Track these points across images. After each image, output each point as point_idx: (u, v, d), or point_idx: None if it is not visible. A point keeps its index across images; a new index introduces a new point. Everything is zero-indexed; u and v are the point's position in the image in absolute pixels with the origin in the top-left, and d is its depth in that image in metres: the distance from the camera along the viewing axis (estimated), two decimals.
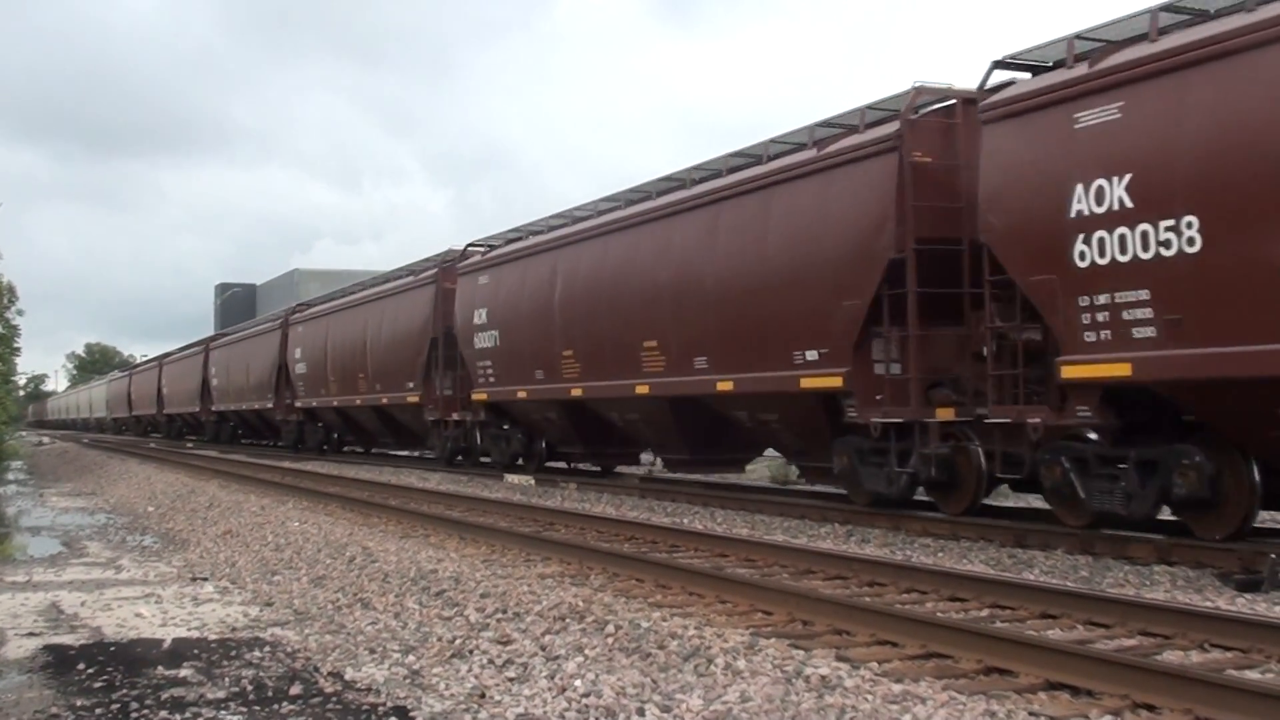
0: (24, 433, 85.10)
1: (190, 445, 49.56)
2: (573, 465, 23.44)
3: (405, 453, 32.72)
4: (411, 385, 26.83)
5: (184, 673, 7.24)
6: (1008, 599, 8.56)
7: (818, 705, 5.91)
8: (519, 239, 23.03)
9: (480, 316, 23.29)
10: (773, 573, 10.32)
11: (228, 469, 28.74)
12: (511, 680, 6.67)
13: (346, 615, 9.00)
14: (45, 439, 78.13)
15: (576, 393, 19.74)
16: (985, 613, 8.40)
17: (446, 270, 25.52)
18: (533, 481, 21.73)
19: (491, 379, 22.77)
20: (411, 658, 7.37)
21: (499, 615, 8.44)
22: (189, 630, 8.75)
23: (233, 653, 7.80)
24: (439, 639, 7.81)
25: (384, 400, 28.84)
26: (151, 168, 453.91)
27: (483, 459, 25.41)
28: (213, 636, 8.44)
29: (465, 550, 12.38)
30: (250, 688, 6.79)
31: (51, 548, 15.36)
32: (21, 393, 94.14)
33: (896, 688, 6.16)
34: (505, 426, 23.83)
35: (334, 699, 6.49)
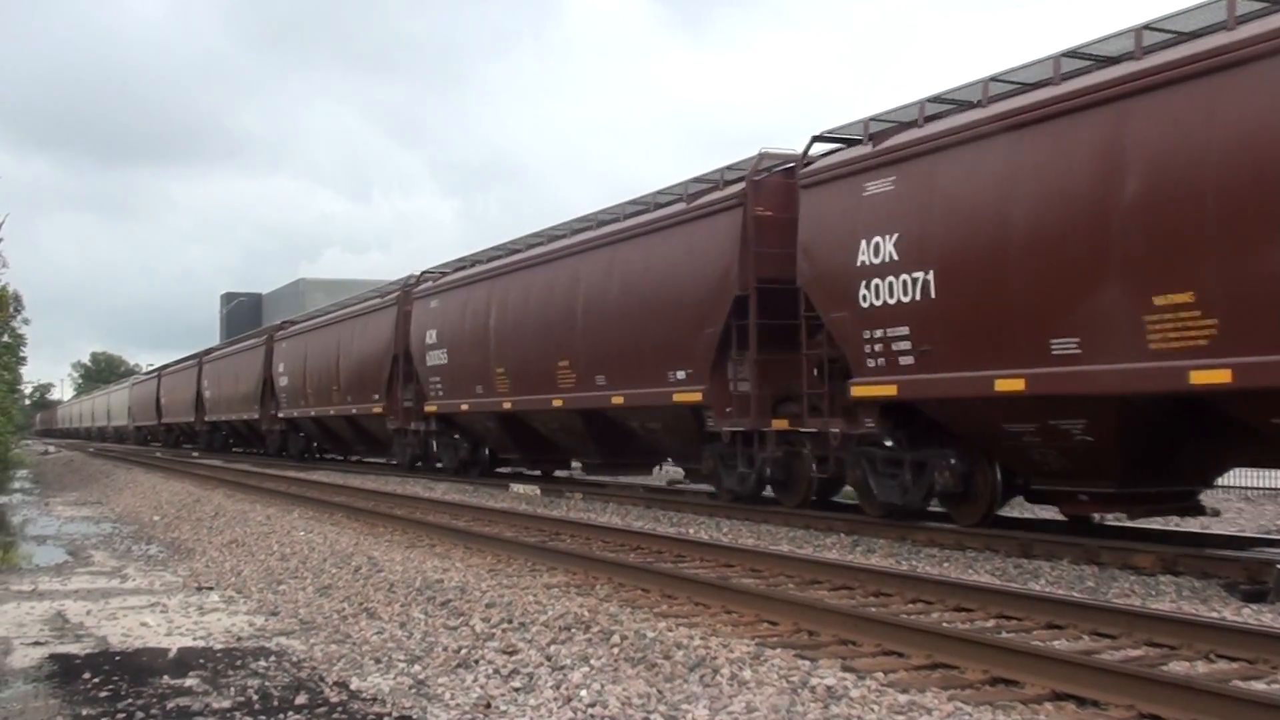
0: (29, 441, 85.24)
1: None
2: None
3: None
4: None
5: (189, 682, 7.25)
6: (1014, 609, 8.55)
7: (823, 715, 5.91)
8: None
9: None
10: (778, 583, 10.31)
11: (233, 478, 28.75)
12: (517, 690, 6.68)
13: (352, 625, 9.01)
14: (51, 448, 78.21)
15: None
16: (991, 623, 8.39)
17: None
18: (538, 491, 21.74)
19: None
20: (417, 667, 7.38)
21: (504, 625, 8.44)
22: (194, 640, 8.75)
23: (238, 662, 7.81)
24: (444, 649, 7.81)
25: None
26: (160, 176, 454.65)
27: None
28: (218, 646, 8.45)
29: (471, 560, 12.38)
30: (256, 697, 6.79)
31: (57, 556, 15.38)
32: (28, 401, 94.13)
33: (902, 698, 6.16)
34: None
35: (339, 709, 6.50)
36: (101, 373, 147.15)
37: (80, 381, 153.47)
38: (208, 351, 53.27)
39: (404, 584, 10.53)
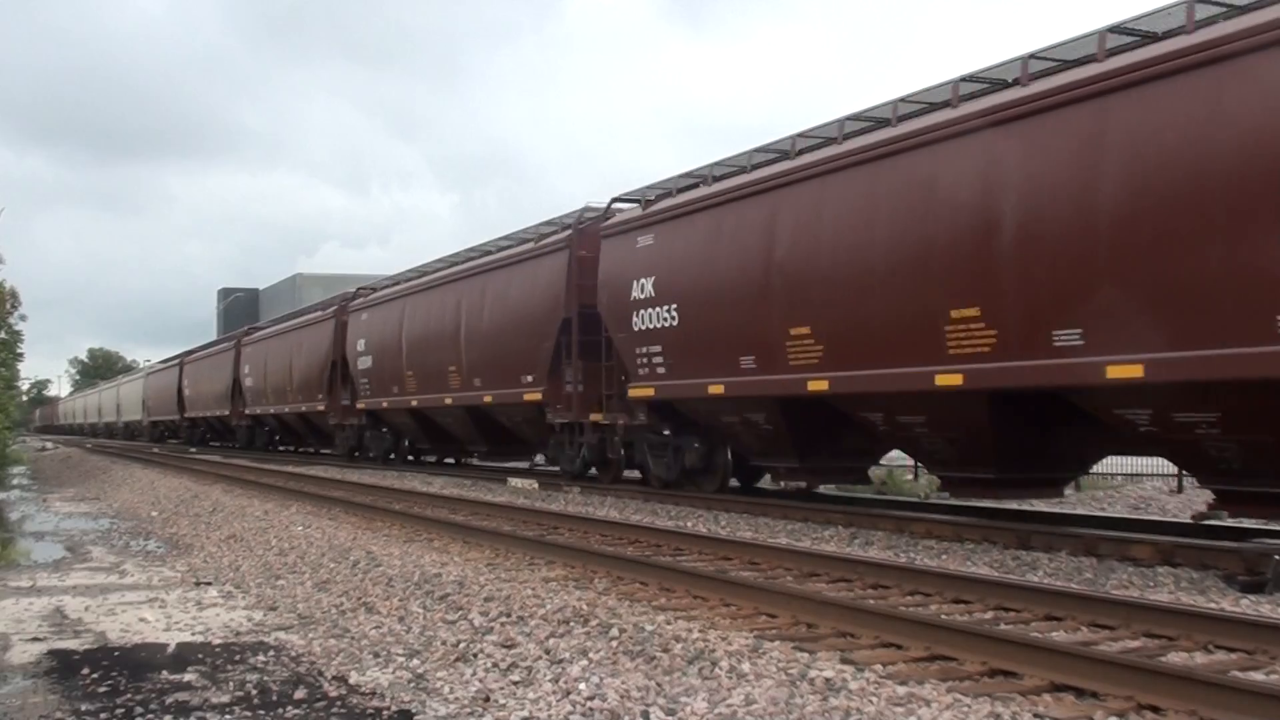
0: (26, 438, 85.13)
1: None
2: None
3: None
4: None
5: (188, 677, 7.24)
6: (1012, 601, 8.56)
7: (822, 708, 5.91)
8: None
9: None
10: (777, 575, 10.32)
11: (231, 474, 28.75)
12: (516, 684, 6.67)
13: (350, 619, 9.00)
14: (49, 444, 78.15)
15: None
16: (990, 615, 8.40)
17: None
18: (536, 485, 21.76)
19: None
20: (416, 661, 7.38)
21: (503, 619, 8.44)
22: (193, 635, 8.75)
23: (237, 657, 7.80)
24: (443, 643, 7.81)
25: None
26: (158, 171, 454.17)
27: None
28: (217, 641, 8.44)
29: (469, 554, 12.38)
30: (255, 692, 6.79)
31: (55, 553, 15.37)
32: (25, 398, 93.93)
33: (901, 690, 6.16)
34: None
35: (338, 703, 6.49)
36: (99, 369, 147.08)
37: (78, 378, 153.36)
38: (248, 332, 48.51)
39: (402, 578, 10.53)
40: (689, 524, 14.90)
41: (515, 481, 22.50)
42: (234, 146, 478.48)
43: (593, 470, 21.80)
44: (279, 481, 24.97)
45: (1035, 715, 5.81)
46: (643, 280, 18.58)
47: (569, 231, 21.43)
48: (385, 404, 27.12)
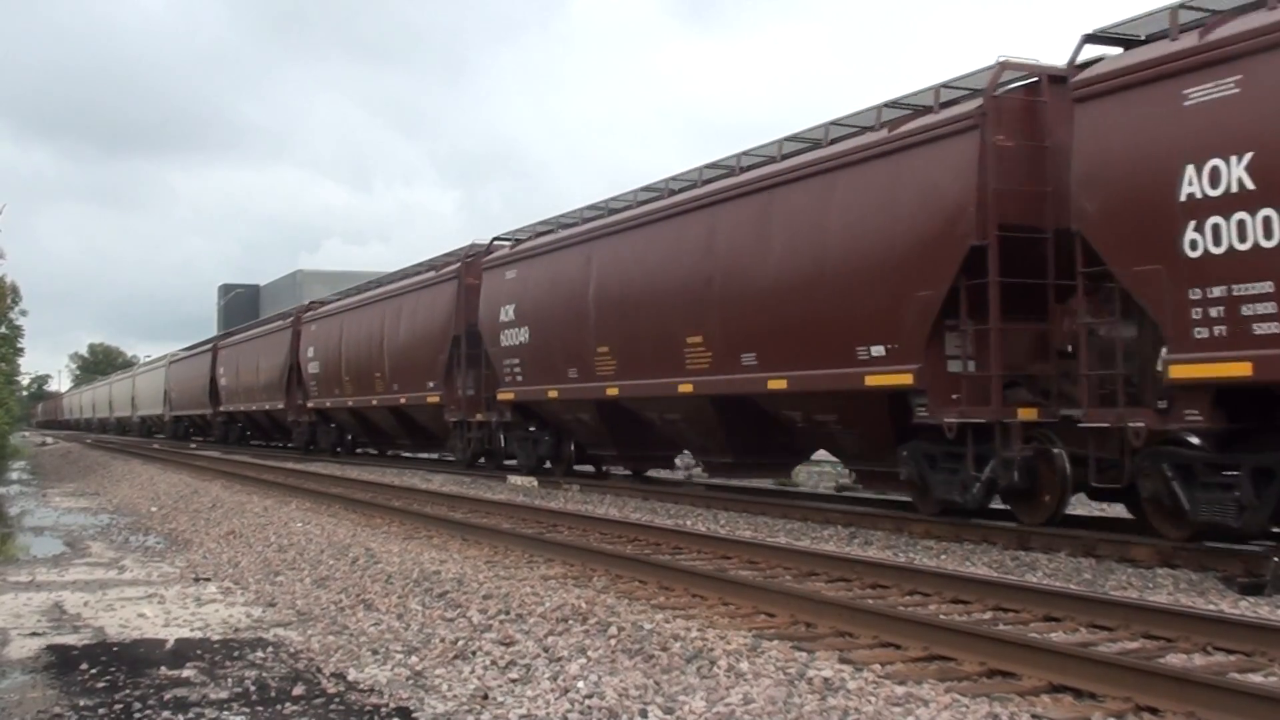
0: (27, 433, 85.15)
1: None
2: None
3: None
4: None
5: (187, 673, 7.25)
6: (1011, 601, 8.56)
7: (820, 707, 5.91)
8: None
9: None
10: (776, 575, 10.32)
11: (231, 469, 28.76)
12: (514, 681, 6.68)
13: (349, 616, 9.00)
14: (49, 439, 78.17)
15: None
16: (988, 615, 8.40)
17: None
18: (535, 483, 21.77)
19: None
20: (414, 659, 7.38)
21: (502, 616, 8.44)
22: (192, 631, 8.75)
23: (235, 653, 7.81)
24: (442, 640, 7.81)
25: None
26: (162, 167, 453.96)
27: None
28: (215, 637, 8.45)
29: (468, 552, 12.39)
30: (253, 688, 6.79)
31: (54, 548, 15.37)
32: (25, 393, 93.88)
33: (899, 690, 6.16)
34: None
35: (337, 699, 6.50)
36: (99, 364, 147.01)
37: (78, 373, 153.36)
38: (309, 307, 40.91)
39: (401, 575, 10.53)
40: (688, 523, 14.90)
41: (514, 479, 22.50)
42: (238, 142, 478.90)
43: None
44: (278, 478, 24.97)
45: (1033, 716, 5.81)
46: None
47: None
48: (553, 393, 21.43)
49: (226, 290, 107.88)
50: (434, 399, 26.93)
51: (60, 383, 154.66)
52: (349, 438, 36.53)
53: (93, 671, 7.34)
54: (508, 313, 23.08)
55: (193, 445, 50.33)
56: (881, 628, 7.56)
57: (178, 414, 46.91)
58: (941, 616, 8.13)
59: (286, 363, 38.68)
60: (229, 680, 7.01)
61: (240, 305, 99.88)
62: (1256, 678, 6.49)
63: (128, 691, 6.79)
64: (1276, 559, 9.55)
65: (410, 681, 6.84)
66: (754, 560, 11.08)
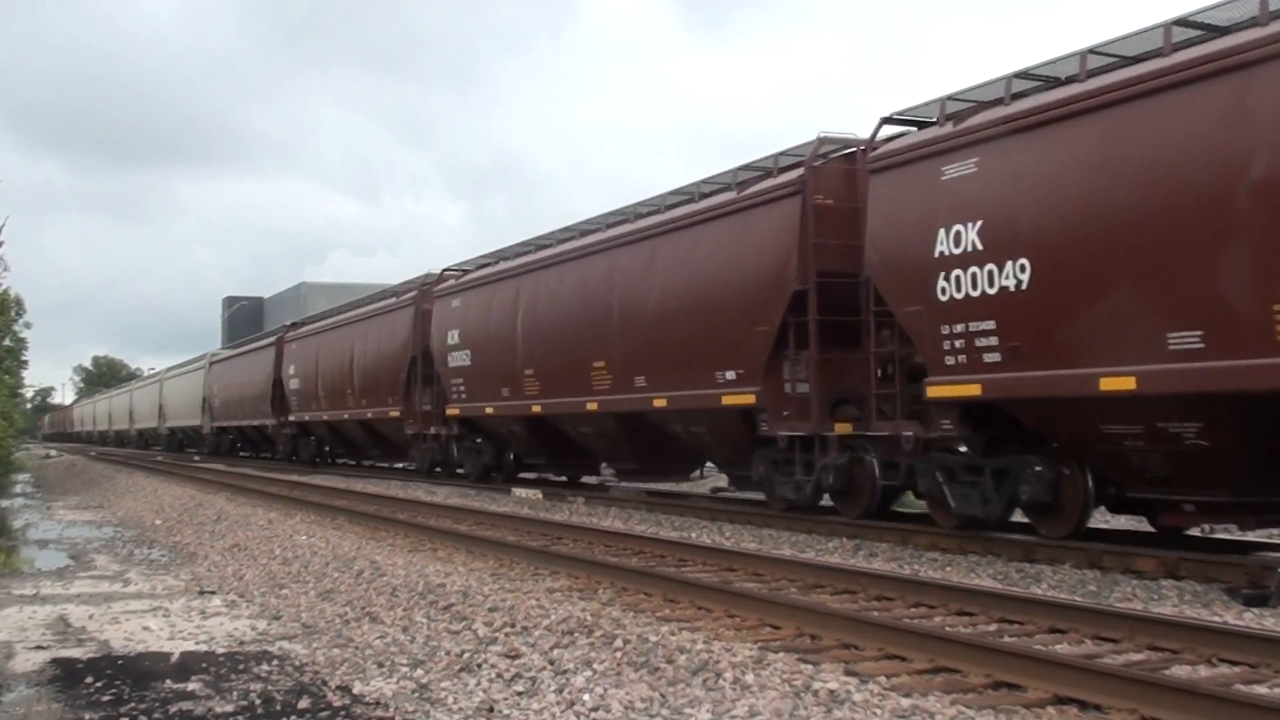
0: (31, 445, 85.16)
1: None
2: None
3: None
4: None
5: (192, 686, 7.25)
6: (1016, 614, 8.56)
7: (826, 719, 5.92)
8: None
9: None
10: (781, 587, 10.32)
11: (235, 482, 28.78)
12: (520, 694, 6.68)
13: (354, 629, 9.01)
14: (53, 451, 78.18)
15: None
16: (993, 627, 8.40)
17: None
18: (540, 496, 21.76)
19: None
20: (420, 671, 7.38)
21: (507, 629, 8.44)
22: (197, 644, 8.75)
23: (241, 666, 7.81)
24: (447, 653, 7.81)
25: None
26: (170, 179, 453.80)
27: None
28: (220, 650, 8.45)
29: (473, 564, 12.39)
30: (258, 701, 6.80)
31: (59, 561, 15.39)
32: (29, 405, 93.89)
33: (905, 702, 6.16)
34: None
35: (342, 713, 6.50)
36: (103, 376, 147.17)
37: (82, 385, 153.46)
38: (439, 280, 31.58)
39: (406, 588, 10.53)
40: (693, 535, 14.90)
41: (519, 492, 22.50)
42: (246, 153, 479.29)
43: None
44: (283, 490, 24.98)
45: None
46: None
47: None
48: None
49: (231, 302, 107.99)
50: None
51: (64, 395, 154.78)
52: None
53: (98, 685, 7.34)
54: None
55: (196, 458, 50.44)
56: (887, 640, 7.56)
57: (223, 425, 47.42)
58: (947, 629, 8.14)
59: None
60: (234, 694, 7.02)
61: (244, 318, 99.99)
62: (1262, 689, 6.48)
63: (133, 705, 6.80)
64: None
65: (416, 694, 6.84)
66: (759, 572, 11.08)
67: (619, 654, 7.46)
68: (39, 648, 8.77)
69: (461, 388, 25.43)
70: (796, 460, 15.37)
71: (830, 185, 14.99)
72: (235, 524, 18.14)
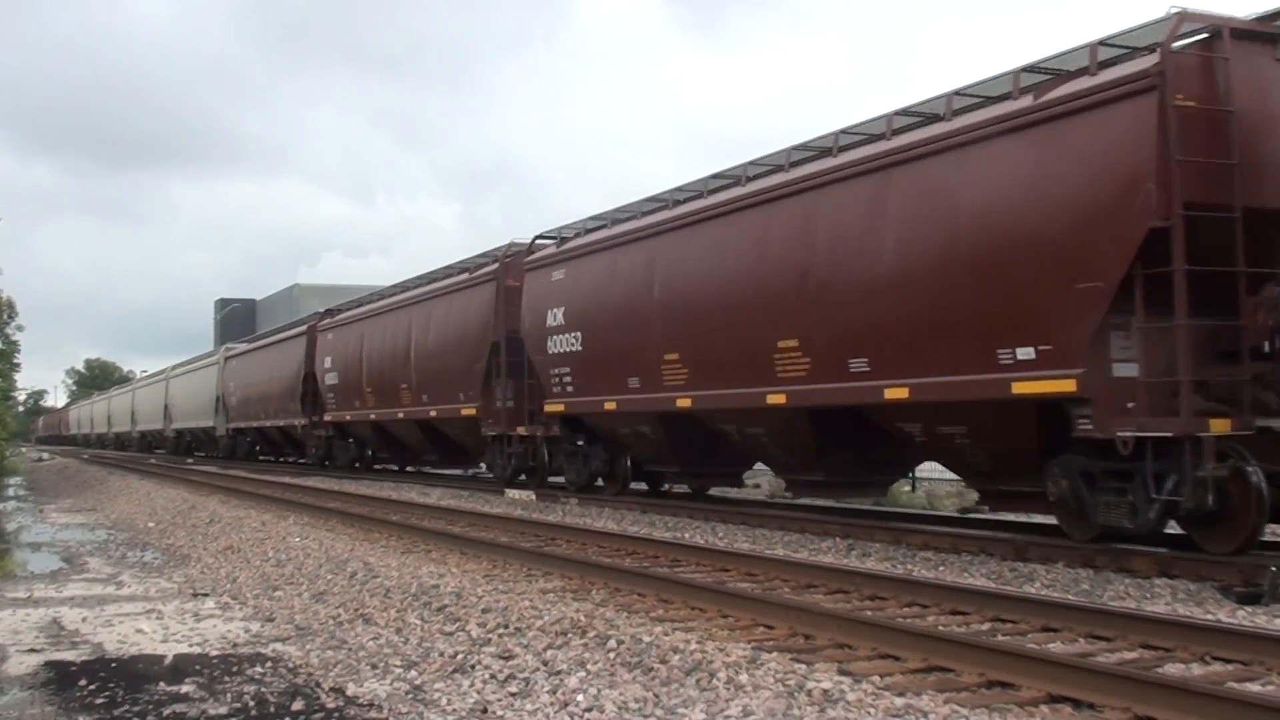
0: (24, 448, 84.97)
1: None
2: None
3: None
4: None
5: (185, 689, 7.24)
6: (1009, 613, 8.56)
7: (820, 719, 5.92)
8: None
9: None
10: (774, 587, 10.32)
11: (228, 485, 28.74)
12: (514, 695, 6.68)
13: (348, 631, 9.00)
14: (45, 454, 78.03)
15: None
16: (987, 626, 8.40)
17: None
18: (533, 496, 21.75)
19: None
20: (414, 673, 7.38)
21: (501, 630, 8.44)
22: (190, 646, 8.75)
23: (234, 669, 7.80)
24: (441, 654, 7.81)
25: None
26: (163, 181, 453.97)
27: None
28: (214, 652, 8.44)
29: (467, 565, 12.38)
30: (252, 704, 6.79)
31: (52, 564, 15.36)
32: (21, 408, 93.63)
33: (899, 701, 6.16)
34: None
35: (336, 714, 6.50)
36: (96, 379, 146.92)
37: (74, 388, 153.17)
38: (529, 250, 26.23)
39: (400, 589, 10.52)
40: (686, 535, 14.89)
41: (513, 493, 22.49)
42: (240, 155, 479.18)
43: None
44: (276, 493, 24.95)
45: None
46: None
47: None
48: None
49: (223, 305, 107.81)
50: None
51: (56, 398, 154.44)
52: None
53: (91, 687, 7.34)
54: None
55: (189, 461, 50.11)
56: (880, 639, 7.57)
57: (240, 425, 43.77)
58: (940, 628, 8.14)
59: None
60: (228, 696, 7.01)
61: (237, 320, 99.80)
62: (1255, 687, 6.50)
63: (127, 708, 6.79)
64: (1274, 568, 9.56)
65: (409, 696, 6.84)
66: (752, 572, 11.08)
67: (613, 654, 7.46)
68: (32, 651, 8.76)
69: (567, 378, 20.51)
70: (1148, 472, 10.74)
71: (1195, 81, 11.02)
72: (228, 526, 18.12)
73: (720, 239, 16.72)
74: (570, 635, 8.11)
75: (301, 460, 39.90)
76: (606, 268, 19.66)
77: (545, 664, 7.33)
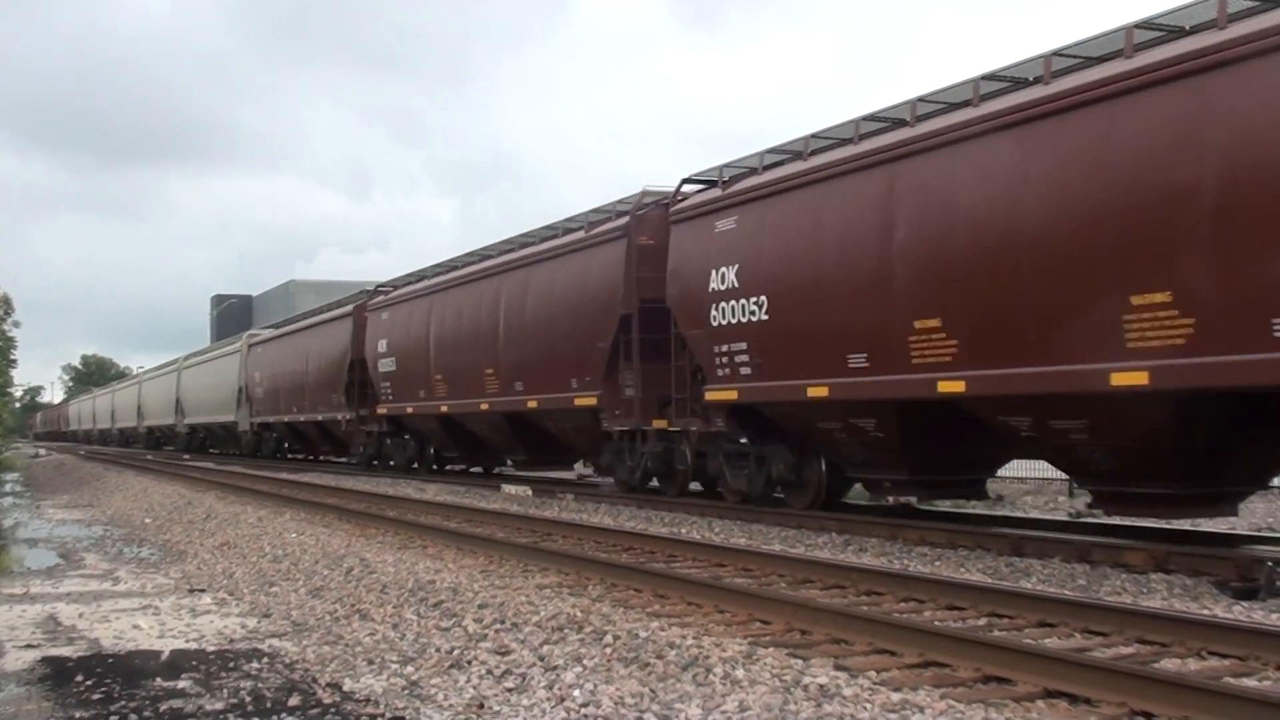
0: (20, 444, 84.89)
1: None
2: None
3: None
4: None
5: (182, 684, 7.24)
6: (1005, 607, 8.57)
7: (816, 714, 5.92)
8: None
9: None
10: (770, 582, 10.33)
11: (225, 480, 28.72)
12: (510, 690, 6.68)
13: (344, 626, 9.00)
14: (42, 450, 77.98)
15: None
16: (983, 621, 8.41)
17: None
18: (530, 492, 21.76)
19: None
20: (410, 668, 7.38)
21: (497, 626, 8.44)
22: (187, 642, 8.74)
23: (231, 664, 7.80)
24: (437, 649, 7.81)
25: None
26: (160, 176, 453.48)
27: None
28: (210, 648, 8.44)
29: (463, 561, 12.38)
30: (249, 699, 6.79)
31: (48, 560, 15.34)
32: (18, 404, 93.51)
33: (895, 696, 6.17)
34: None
35: (332, 710, 6.49)
36: (92, 375, 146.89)
37: (71, 384, 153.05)
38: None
39: (396, 585, 10.52)
40: (683, 531, 14.90)
41: (508, 488, 22.50)
42: (237, 151, 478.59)
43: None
44: (272, 489, 24.94)
45: None
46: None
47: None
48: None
49: (219, 300, 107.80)
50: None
51: (53, 394, 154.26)
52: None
53: (88, 683, 7.33)
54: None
55: (186, 457, 49.92)
56: (876, 634, 7.57)
57: (266, 420, 39.76)
58: (936, 623, 8.15)
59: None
60: (224, 691, 7.01)
61: (233, 316, 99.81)
62: (1251, 681, 6.51)
63: (123, 703, 6.78)
64: (1270, 563, 9.57)
65: (406, 691, 6.83)
66: (749, 568, 11.09)
67: (609, 650, 7.47)
68: (29, 646, 8.75)
69: (742, 357, 16.12)
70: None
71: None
72: (225, 522, 18.11)
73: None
74: (567, 630, 8.11)
75: (340, 460, 36.51)
76: (808, 210, 14.93)
77: (542, 659, 7.33)
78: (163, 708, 6.65)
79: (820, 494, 15.97)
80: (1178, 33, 11.02)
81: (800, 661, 7.02)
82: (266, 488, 25.23)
